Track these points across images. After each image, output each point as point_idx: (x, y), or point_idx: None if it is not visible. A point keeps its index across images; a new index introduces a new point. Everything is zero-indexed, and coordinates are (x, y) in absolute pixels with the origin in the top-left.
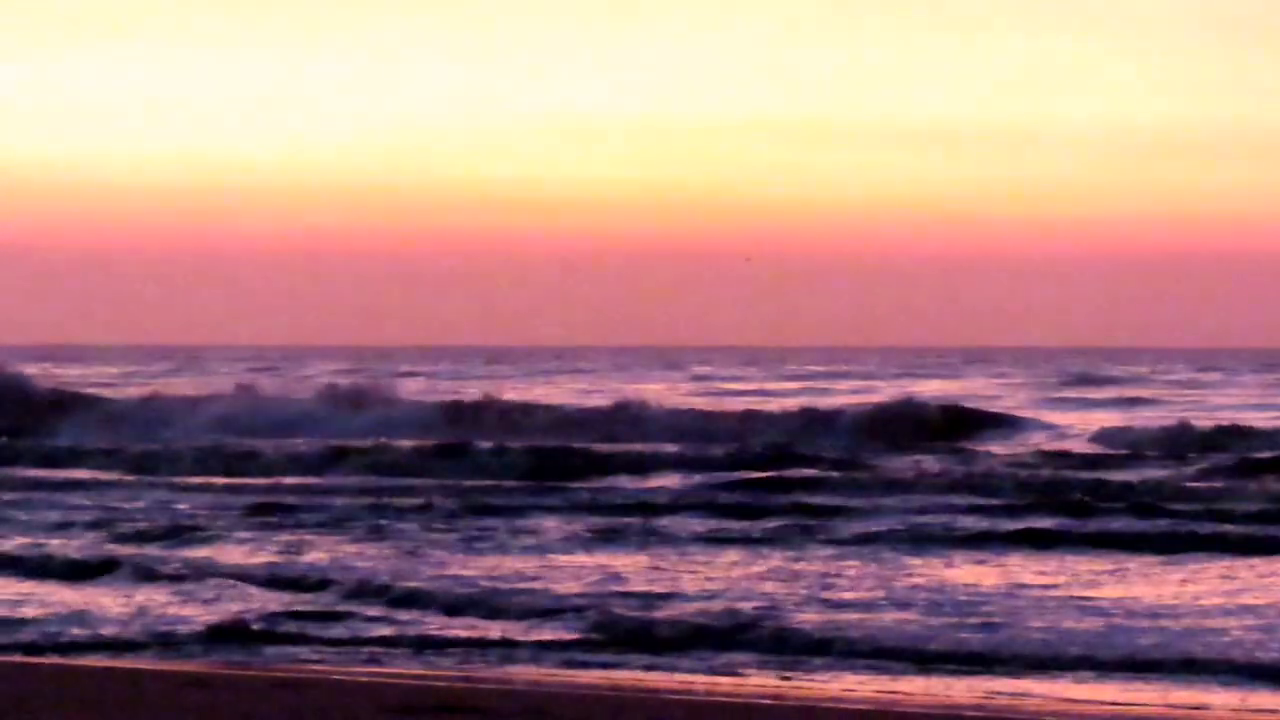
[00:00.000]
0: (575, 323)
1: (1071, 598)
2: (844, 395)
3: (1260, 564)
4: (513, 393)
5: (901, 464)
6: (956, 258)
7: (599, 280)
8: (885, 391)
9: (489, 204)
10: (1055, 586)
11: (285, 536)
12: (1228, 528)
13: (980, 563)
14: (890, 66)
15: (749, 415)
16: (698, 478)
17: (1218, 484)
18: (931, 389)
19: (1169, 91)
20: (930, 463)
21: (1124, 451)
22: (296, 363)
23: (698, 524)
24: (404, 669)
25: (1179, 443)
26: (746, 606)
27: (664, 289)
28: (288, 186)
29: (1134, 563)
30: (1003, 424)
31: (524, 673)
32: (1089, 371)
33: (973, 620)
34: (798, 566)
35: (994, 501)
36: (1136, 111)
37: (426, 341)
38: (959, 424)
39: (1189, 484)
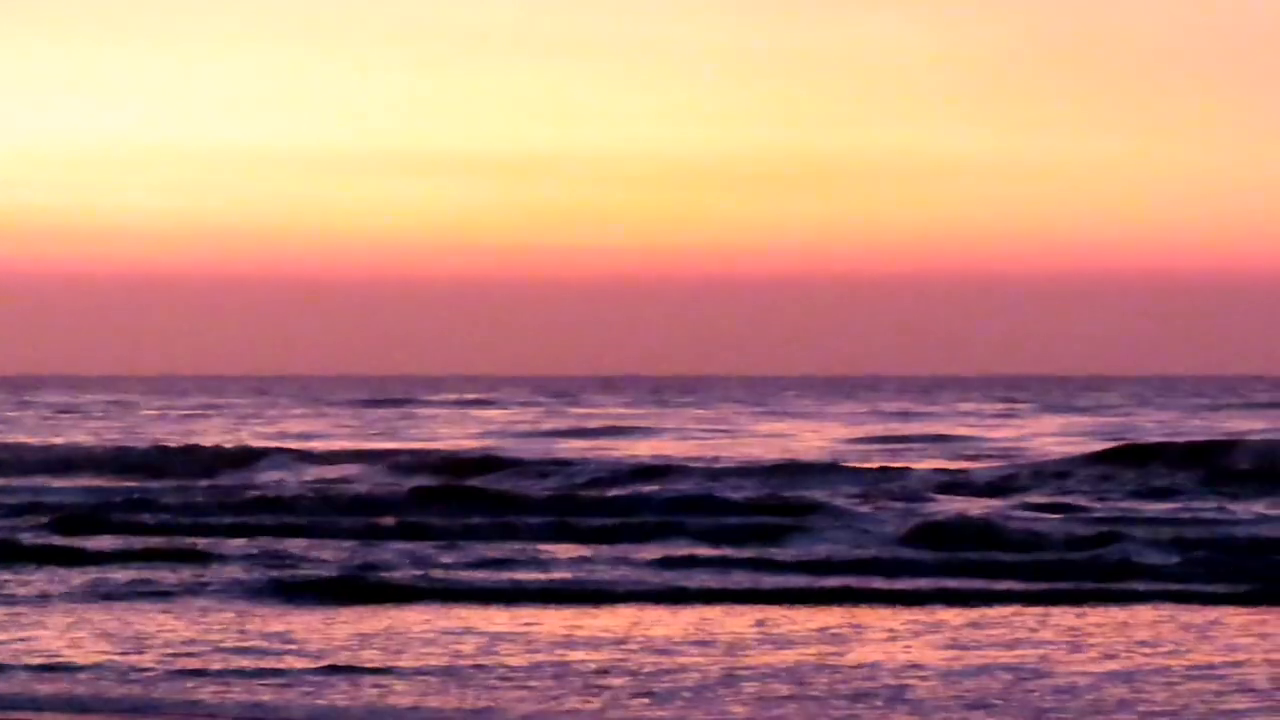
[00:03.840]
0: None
1: None
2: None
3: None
4: None
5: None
6: (482, 281)
7: (131, 309)
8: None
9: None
10: None
11: None
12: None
13: None
14: (426, 97)
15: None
16: None
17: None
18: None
19: (687, 122)
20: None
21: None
22: None
23: None
24: None
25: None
26: None
27: (190, 318)
28: None
29: None
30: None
31: None
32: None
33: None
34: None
35: None
36: (662, 141)
37: None
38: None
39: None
